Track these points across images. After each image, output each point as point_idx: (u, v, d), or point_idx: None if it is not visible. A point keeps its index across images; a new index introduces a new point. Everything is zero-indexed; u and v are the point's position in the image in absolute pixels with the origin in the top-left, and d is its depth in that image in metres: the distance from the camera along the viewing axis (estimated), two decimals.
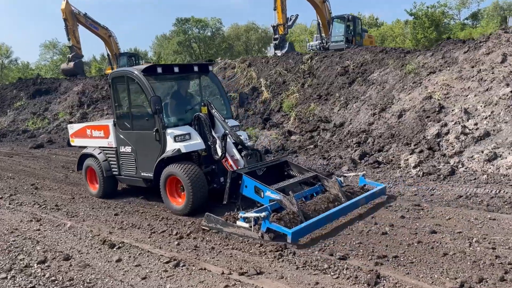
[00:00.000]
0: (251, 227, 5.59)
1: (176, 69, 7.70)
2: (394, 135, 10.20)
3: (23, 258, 5.57)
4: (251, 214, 5.61)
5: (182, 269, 4.97)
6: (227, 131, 7.13)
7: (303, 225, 5.49)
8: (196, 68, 8.04)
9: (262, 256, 5.16)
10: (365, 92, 12.85)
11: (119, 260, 5.34)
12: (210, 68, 8.29)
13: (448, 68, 11.41)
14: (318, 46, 24.68)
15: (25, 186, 10.20)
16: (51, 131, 20.87)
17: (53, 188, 9.89)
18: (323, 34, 26.35)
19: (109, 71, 26.39)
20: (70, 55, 31.01)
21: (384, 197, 7.12)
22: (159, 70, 7.51)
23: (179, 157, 7.08)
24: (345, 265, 4.71)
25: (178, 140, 7.06)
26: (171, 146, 7.07)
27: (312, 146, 11.65)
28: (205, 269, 4.90)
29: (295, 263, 4.90)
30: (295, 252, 5.17)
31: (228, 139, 7.14)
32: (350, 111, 12.40)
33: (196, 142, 7.21)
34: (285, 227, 5.40)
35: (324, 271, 4.63)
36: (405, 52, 14.01)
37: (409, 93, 11.46)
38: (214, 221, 6.03)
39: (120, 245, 5.86)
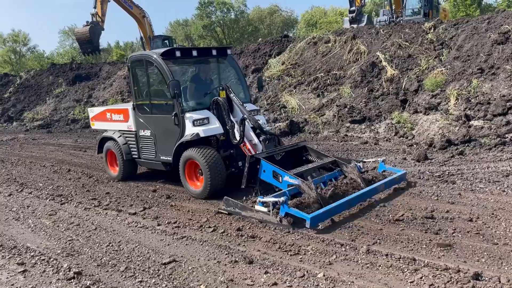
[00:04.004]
0: (269, 211, 5.50)
1: (194, 53, 7.62)
2: None
3: None
4: (269, 199, 5.54)
5: None
6: (245, 116, 7.02)
7: (321, 210, 5.37)
8: (214, 52, 7.95)
9: None
10: None
11: None
12: (229, 51, 8.17)
13: None
14: (387, 22, 21.82)
15: (149, 194, 7.37)
16: None
17: (191, 198, 7.03)
18: (393, 7, 23.69)
19: None
20: (89, 21, 26.37)
21: (405, 183, 6.83)
22: (178, 53, 7.40)
23: (197, 141, 7.03)
24: None
25: (197, 124, 7.02)
26: (190, 130, 7.03)
27: None
28: None
29: None
30: None
31: (246, 124, 7.05)
32: None
33: (214, 127, 7.17)
34: (304, 212, 5.29)
35: None
36: None
37: None
38: (232, 205, 6.02)
39: None
